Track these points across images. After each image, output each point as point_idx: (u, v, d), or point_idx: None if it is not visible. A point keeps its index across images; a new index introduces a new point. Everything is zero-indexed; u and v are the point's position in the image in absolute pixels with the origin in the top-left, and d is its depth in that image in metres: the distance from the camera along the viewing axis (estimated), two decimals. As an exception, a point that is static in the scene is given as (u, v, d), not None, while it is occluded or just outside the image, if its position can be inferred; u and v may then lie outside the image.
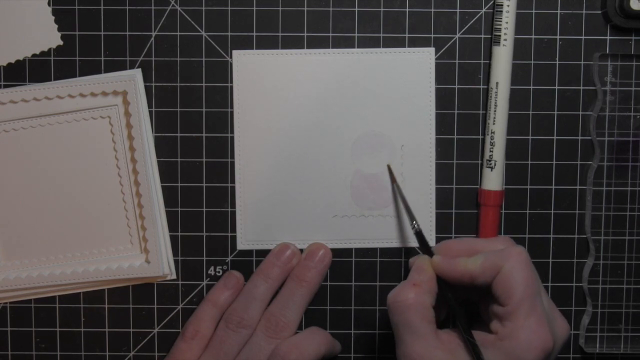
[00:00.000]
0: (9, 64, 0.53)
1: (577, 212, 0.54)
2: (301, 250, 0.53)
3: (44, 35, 0.53)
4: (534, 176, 0.54)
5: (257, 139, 0.53)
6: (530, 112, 0.53)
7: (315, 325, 0.54)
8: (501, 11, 0.52)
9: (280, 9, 0.53)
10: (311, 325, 0.54)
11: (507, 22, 0.52)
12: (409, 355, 0.44)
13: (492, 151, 0.52)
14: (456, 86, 0.53)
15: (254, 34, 0.53)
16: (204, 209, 0.54)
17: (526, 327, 0.43)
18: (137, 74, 0.53)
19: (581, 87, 0.53)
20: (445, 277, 0.47)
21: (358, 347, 0.55)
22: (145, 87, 0.53)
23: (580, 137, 0.54)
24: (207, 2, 0.53)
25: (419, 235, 0.50)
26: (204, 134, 0.53)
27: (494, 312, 0.45)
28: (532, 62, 0.53)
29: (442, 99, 0.53)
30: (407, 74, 0.53)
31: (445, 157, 0.54)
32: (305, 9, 0.53)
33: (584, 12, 0.53)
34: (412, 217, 0.51)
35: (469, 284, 0.46)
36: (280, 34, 0.53)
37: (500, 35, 0.52)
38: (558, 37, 0.53)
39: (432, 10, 0.53)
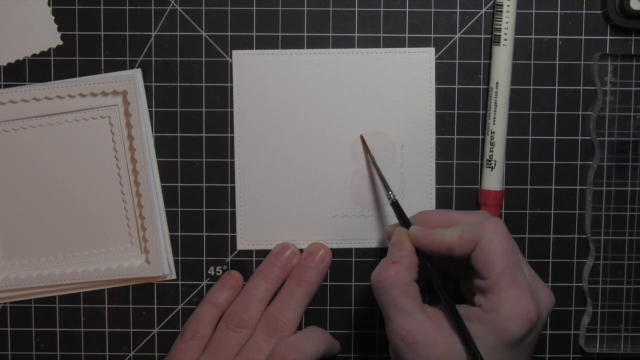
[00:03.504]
0: (9, 64, 0.53)
1: (577, 212, 0.54)
2: (301, 250, 0.53)
3: (44, 35, 0.53)
4: (534, 176, 0.54)
5: (257, 139, 0.53)
6: (530, 112, 0.53)
7: (315, 325, 0.54)
8: (501, 11, 0.52)
9: (280, 9, 0.53)
10: (311, 325, 0.54)
11: (507, 22, 0.52)
12: (396, 332, 0.44)
13: (492, 151, 0.52)
14: (456, 86, 0.53)
15: (254, 34, 0.53)
16: (204, 209, 0.54)
17: (509, 298, 0.43)
18: (137, 74, 0.53)
19: (581, 87, 0.53)
20: (423, 248, 0.47)
21: (358, 347, 0.55)
22: (145, 87, 0.53)
23: (580, 137, 0.54)
24: (207, 2, 0.53)
25: (395, 205, 0.50)
26: (204, 134, 0.53)
27: (476, 285, 0.45)
28: (532, 62, 0.53)
29: (442, 99, 0.53)
30: (407, 74, 0.53)
31: (445, 157, 0.54)
32: (305, 9, 0.53)
33: (584, 12, 0.53)
34: (387, 188, 0.50)
35: (447, 256, 0.46)
36: (280, 34, 0.53)
37: (500, 35, 0.52)
38: (558, 37, 0.53)
39: (432, 10, 0.53)
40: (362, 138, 0.53)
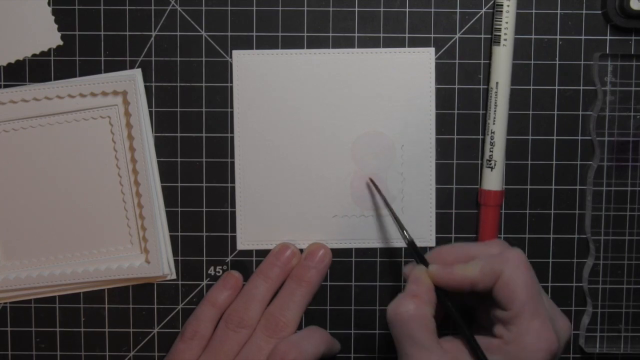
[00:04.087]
0: (9, 64, 0.53)
1: (577, 212, 0.54)
2: (301, 250, 0.53)
3: (44, 35, 0.53)
4: (534, 176, 0.54)
5: (257, 139, 0.53)
6: (530, 112, 0.53)
7: (315, 325, 0.54)
8: (501, 11, 0.52)
9: (280, 9, 0.53)
10: (311, 325, 0.54)
11: (507, 22, 0.52)
12: None
13: (492, 151, 0.52)
14: (456, 86, 0.53)
15: (254, 34, 0.53)
16: (204, 209, 0.54)
17: (531, 330, 0.43)
18: (137, 74, 0.53)
19: (581, 87, 0.53)
20: (444, 286, 0.46)
21: (358, 347, 0.55)
22: (145, 87, 0.53)
23: (580, 137, 0.54)
24: (207, 2, 0.53)
25: (412, 245, 0.49)
26: (204, 134, 0.53)
27: (497, 316, 0.45)
28: (532, 62, 0.53)
29: (442, 99, 0.53)
30: (407, 74, 0.53)
31: (445, 157, 0.54)
32: (305, 9, 0.53)
33: (584, 12, 0.53)
34: (402, 228, 0.50)
35: (469, 291, 0.45)
36: (280, 34, 0.53)
37: (500, 35, 0.52)
38: (558, 37, 0.53)
39: (432, 10, 0.53)
40: (371, 181, 0.53)
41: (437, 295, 0.46)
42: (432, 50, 0.53)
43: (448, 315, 0.47)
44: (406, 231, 0.49)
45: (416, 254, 0.48)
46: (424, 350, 0.44)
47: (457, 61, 0.53)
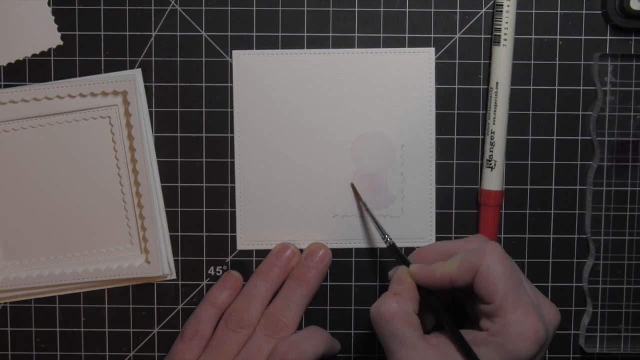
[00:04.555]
0: (9, 64, 0.53)
1: (577, 212, 0.54)
2: (301, 250, 0.53)
3: (44, 35, 0.53)
4: (534, 176, 0.54)
5: (257, 139, 0.53)
6: (530, 112, 0.53)
7: (315, 325, 0.54)
8: (501, 11, 0.52)
9: (280, 9, 0.53)
10: (311, 325, 0.54)
11: (507, 22, 0.52)
12: None
13: (492, 151, 0.52)
14: (456, 86, 0.53)
15: (254, 34, 0.53)
16: (204, 209, 0.54)
17: (515, 320, 0.43)
18: (137, 74, 0.53)
19: (581, 87, 0.53)
20: (425, 284, 0.46)
21: (358, 347, 0.55)
22: (145, 87, 0.53)
23: (580, 137, 0.54)
24: (207, 2, 0.53)
25: (393, 247, 0.50)
26: (204, 134, 0.53)
27: (481, 310, 0.45)
28: (532, 62, 0.53)
29: (442, 99, 0.53)
30: (407, 74, 0.53)
31: (445, 157, 0.54)
32: (305, 9, 0.53)
33: (584, 12, 0.53)
34: (382, 232, 0.50)
35: (450, 287, 0.46)
36: (280, 34, 0.53)
37: (500, 35, 0.52)
38: (558, 37, 0.53)
39: (432, 10, 0.53)
40: (352, 186, 0.53)
41: (421, 293, 0.47)
42: (432, 50, 0.53)
43: (436, 314, 0.47)
44: (387, 235, 0.50)
45: (397, 255, 0.49)
46: (407, 346, 0.44)
47: (457, 61, 0.53)
